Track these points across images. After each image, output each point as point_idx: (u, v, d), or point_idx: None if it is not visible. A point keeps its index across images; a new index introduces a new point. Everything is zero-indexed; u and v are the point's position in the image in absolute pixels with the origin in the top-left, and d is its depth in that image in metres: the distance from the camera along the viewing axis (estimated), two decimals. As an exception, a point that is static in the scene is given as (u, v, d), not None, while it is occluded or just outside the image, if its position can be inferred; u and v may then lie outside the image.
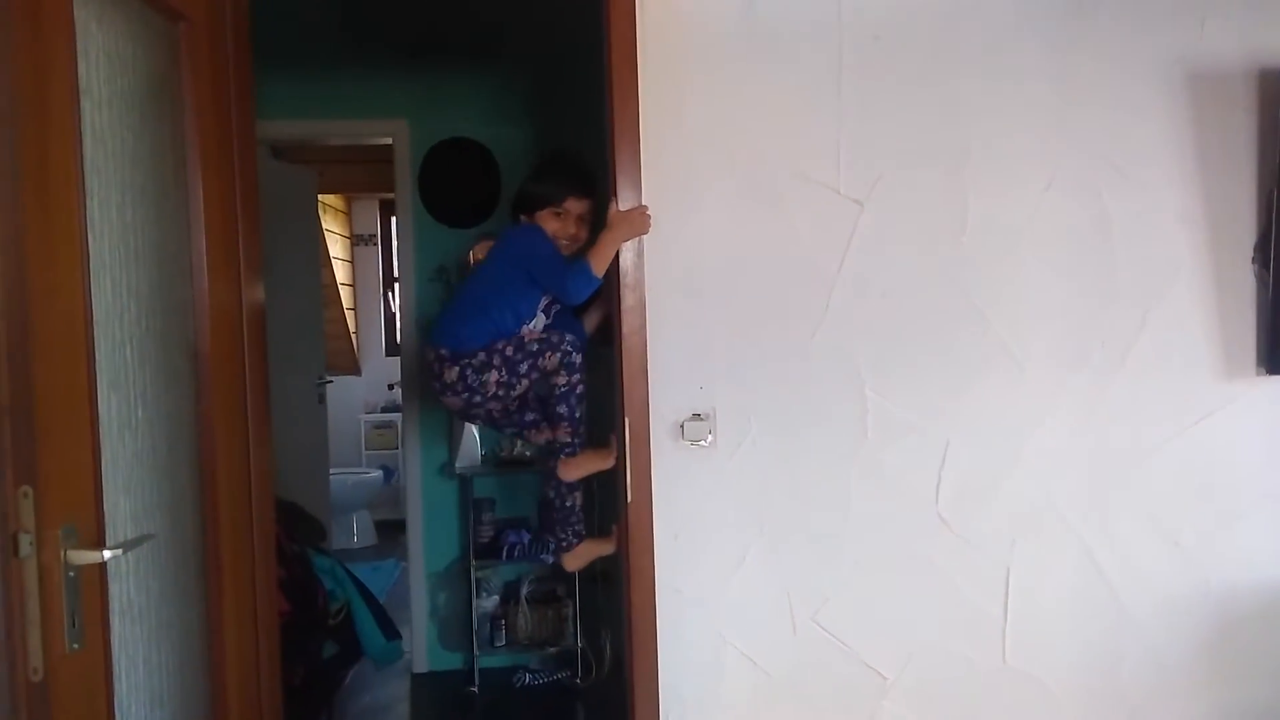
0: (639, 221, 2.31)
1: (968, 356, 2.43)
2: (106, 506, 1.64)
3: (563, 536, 2.63)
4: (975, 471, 2.43)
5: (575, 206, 2.58)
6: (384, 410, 7.43)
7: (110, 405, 1.71)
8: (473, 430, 4.27)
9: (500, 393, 2.51)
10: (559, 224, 2.57)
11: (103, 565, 1.56)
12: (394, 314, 7.64)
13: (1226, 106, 2.44)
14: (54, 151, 1.49)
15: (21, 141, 1.41)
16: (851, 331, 2.41)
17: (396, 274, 7.53)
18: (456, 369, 2.50)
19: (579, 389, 2.50)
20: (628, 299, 2.36)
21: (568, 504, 2.59)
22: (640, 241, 2.34)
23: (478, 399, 2.52)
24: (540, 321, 2.59)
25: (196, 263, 2.03)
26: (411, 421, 4.54)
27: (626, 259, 2.36)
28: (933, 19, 2.39)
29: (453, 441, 4.34)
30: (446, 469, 4.39)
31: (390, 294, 7.68)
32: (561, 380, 2.49)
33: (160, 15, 1.93)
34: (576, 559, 2.65)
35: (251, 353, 2.26)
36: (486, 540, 4.25)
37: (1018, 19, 2.40)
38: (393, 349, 7.60)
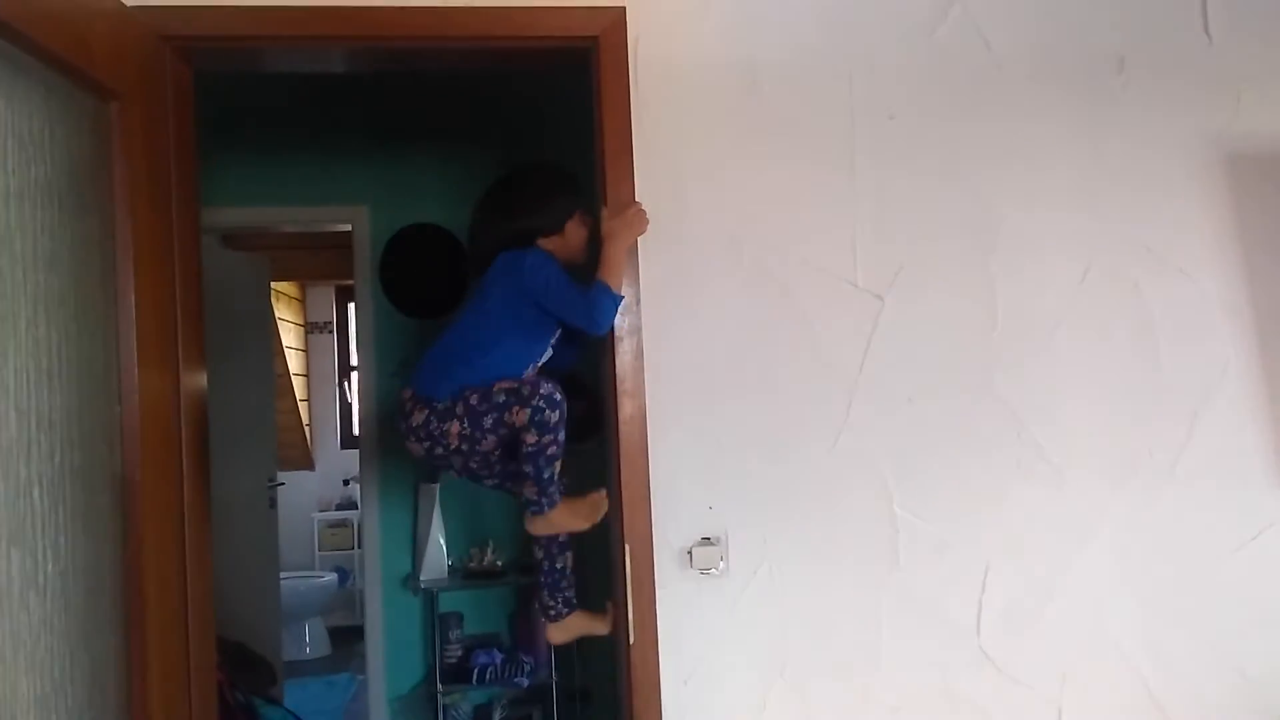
0: (636, 221, 2.08)
1: (1004, 467, 2.18)
2: (1, 693, 1.31)
3: (551, 604, 2.26)
4: (1018, 597, 2.16)
5: (575, 227, 2.28)
6: (339, 508, 7.00)
7: (10, 563, 1.39)
8: (439, 538, 3.93)
9: (464, 446, 2.17)
10: (585, 227, 2.27)
11: (-13, 783, 1.23)
12: (350, 404, 7.28)
13: (1269, 189, 2.26)
14: (-61, 258, 1.19)
15: (-107, 248, 1.11)
16: (876, 441, 2.15)
17: (353, 362, 7.22)
18: (424, 413, 2.18)
19: (549, 450, 2.13)
20: (626, 408, 2.08)
21: (558, 566, 2.23)
22: (639, 341, 2.09)
23: (439, 450, 2.19)
24: (547, 355, 2.30)
25: (126, 377, 1.72)
26: (371, 526, 4.18)
27: (624, 361, 2.09)
28: (952, 96, 2.20)
29: (417, 551, 3.99)
30: (410, 581, 4.03)
31: (346, 384, 7.33)
32: (530, 439, 2.11)
33: (88, 93, 1.66)
34: (564, 631, 2.26)
35: (191, 473, 1.95)
36: (454, 661, 3.87)
37: (1043, 95, 2.21)
38: (349, 441, 7.22)
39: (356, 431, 7.06)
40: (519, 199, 2.29)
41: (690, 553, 2.09)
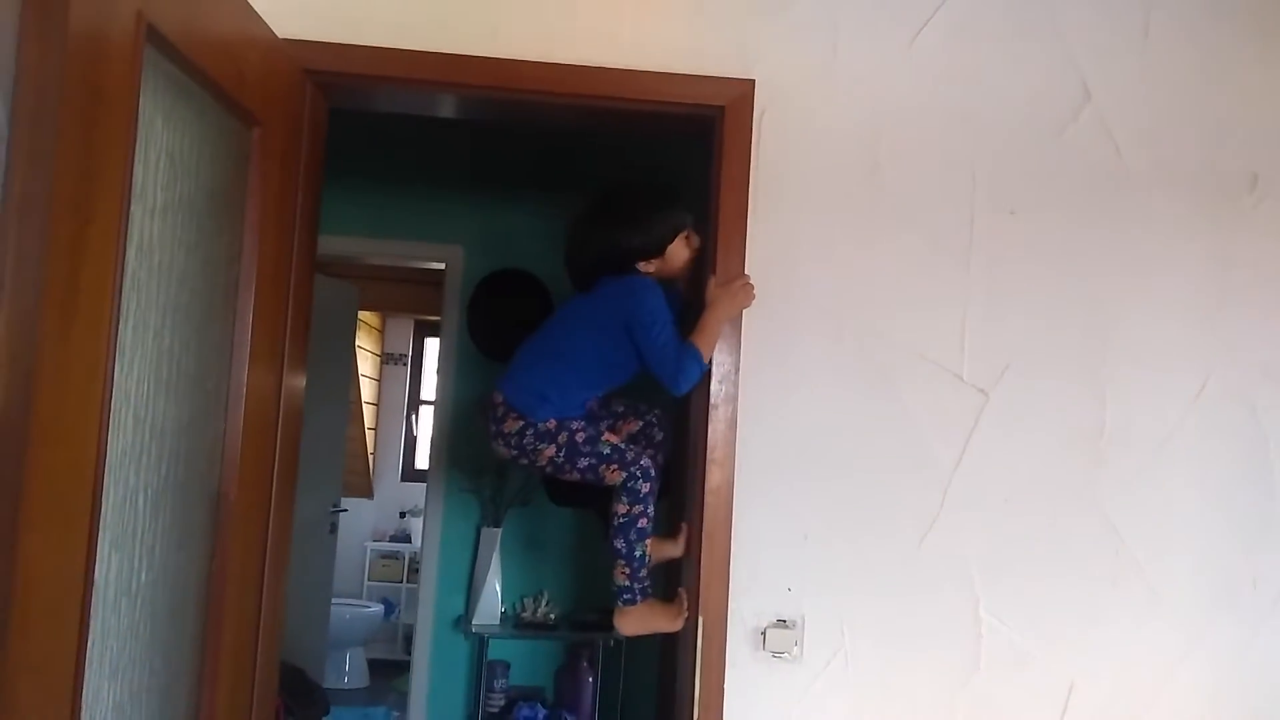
0: (742, 294, 2.06)
1: (1098, 580, 2.10)
2: (86, 697, 1.32)
3: (625, 587, 2.16)
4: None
5: (676, 249, 2.25)
6: (392, 539, 7.02)
7: (110, 568, 1.41)
8: (495, 584, 3.90)
9: (549, 469, 2.23)
10: (689, 246, 2.25)
11: (66, 790, 1.22)
12: (415, 437, 7.34)
13: (1400, 324, 2.18)
14: (89, 266, 1.23)
15: (52, 252, 1.14)
16: (967, 538, 2.09)
17: (424, 396, 7.30)
18: (519, 424, 2.21)
19: (640, 523, 2.13)
20: (714, 477, 2.06)
21: (636, 553, 2.15)
22: (734, 411, 2.07)
23: (524, 460, 2.25)
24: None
25: (234, 395, 1.75)
26: (430, 562, 4.17)
27: (717, 430, 2.07)
28: (1076, 197, 2.16)
29: (472, 593, 3.97)
30: (461, 623, 4.00)
31: (414, 417, 7.39)
32: (620, 509, 2.13)
33: (235, 118, 1.71)
34: (633, 623, 2.17)
35: (279, 495, 1.97)
36: (496, 710, 3.82)
37: (1170, 205, 2.16)
38: (409, 474, 7.26)
39: (419, 464, 7.16)
40: (621, 216, 2.27)
41: (764, 634, 2.04)
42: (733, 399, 2.07)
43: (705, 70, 2.11)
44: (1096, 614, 2.09)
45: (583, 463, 2.17)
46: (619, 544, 2.14)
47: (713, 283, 2.08)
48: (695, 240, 2.26)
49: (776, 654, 2.04)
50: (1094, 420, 2.12)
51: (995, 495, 2.09)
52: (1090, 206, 2.16)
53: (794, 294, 2.11)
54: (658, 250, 2.24)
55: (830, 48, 2.14)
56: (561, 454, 2.18)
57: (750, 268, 2.08)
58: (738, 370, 2.08)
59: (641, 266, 2.24)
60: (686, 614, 2.09)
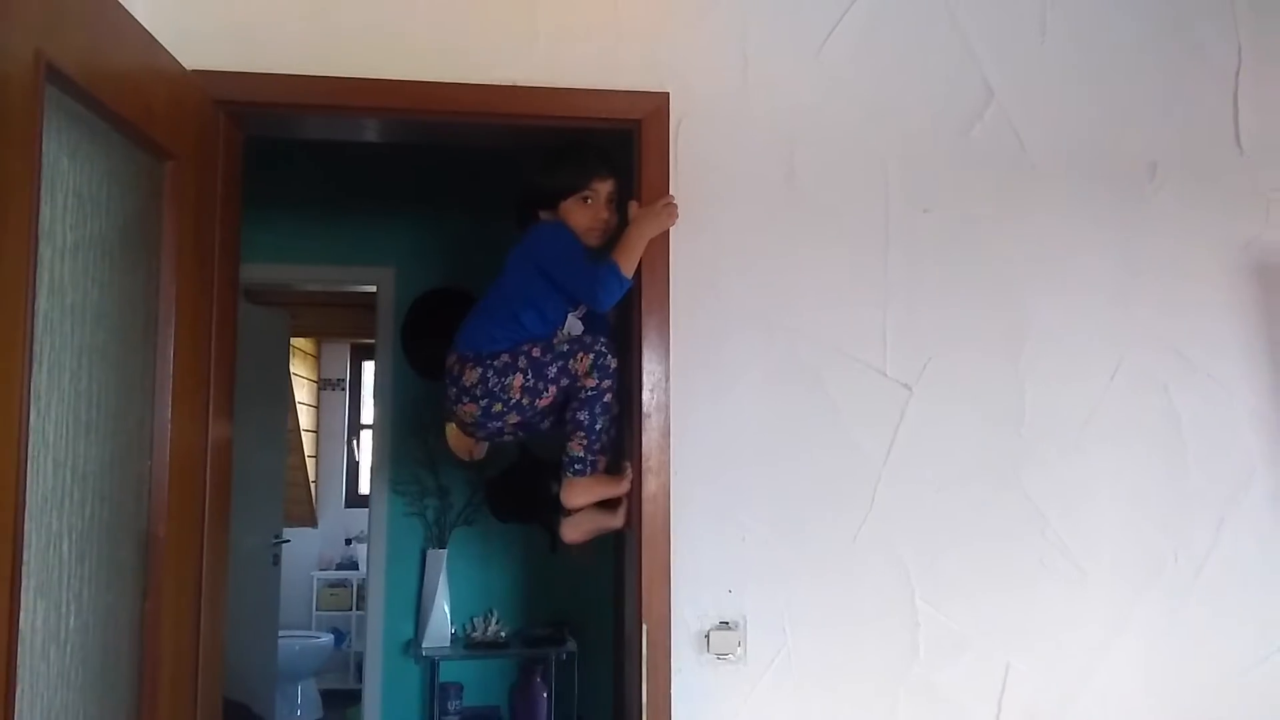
0: (664, 213, 2.10)
1: (1028, 563, 2.16)
2: (15, 749, 1.29)
3: (579, 458, 2.14)
4: (1039, 699, 2.13)
5: (603, 187, 2.23)
6: (339, 567, 6.93)
7: (35, 615, 1.38)
8: (444, 606, 3.88)
9: (525, 400, 2.16)
10: (590, 212, 2.23)
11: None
12: (357, 462, 7.25)
13: (1297, 299, 2.27)
14: (-2, 311, 1.21)
15: (-43, 299, 1.12)
16: (900, 530, 2.13)
17: (364, 421, 7.22)
18: (478, 370, 2.17)
19: (606, 397, 2.15)
20: (650, 485, 2.08)
21: (597, 426, 2.15)
22: (666, 419, 2.09)
23: (498, 406, 2.17)
24: (576, 326, 2.26)
25: (159, 432, 1.73)
26: (376, 588, 4.14)
27: (650, 438, 2.09)
28: (985, 192, 2.23)
29: (420, 617, 3.94)
30: (411, 648, 3.97)
31: (355, 442, 7.31)
32: (591, 383, 2.13)
33: (145, 153, 1.69)
34: (581, 492, 2.16)
35: (212, 530, 1.95)
36: (452, 732, 3.80)
37: (1076, 196, 2.24)
38: (354, 500, 7.18)
39: (363, 490, 7.08)
40: (534, 161, 2.28)
41: (708, 636, 2.07)
42: (664, 407, 2.10)
43: (621, 85, 2.14)
44: (1027, 595, 2.15)
45: (552, 370, 2.14)
46: (583, 416, 2.14)
47: (634, 205, 2.12)
48: (603, 213, 2.22)
49: (721, 655, 2.06)
50: (1014, 407, 2.18)
51: (925, 486, 2.15)
52: (1000, 200, 2.22)
53: (719, 299, 2.15)
54: (549, 199, 2.24)
55: (741, 58, 2.19)
56: (529, 375, 2.14)
57: (675, 276, 2.11)
58: (668, 378, 2.10)
59: (542, 215, 2.26)
60: (630, 481, 2.11)
